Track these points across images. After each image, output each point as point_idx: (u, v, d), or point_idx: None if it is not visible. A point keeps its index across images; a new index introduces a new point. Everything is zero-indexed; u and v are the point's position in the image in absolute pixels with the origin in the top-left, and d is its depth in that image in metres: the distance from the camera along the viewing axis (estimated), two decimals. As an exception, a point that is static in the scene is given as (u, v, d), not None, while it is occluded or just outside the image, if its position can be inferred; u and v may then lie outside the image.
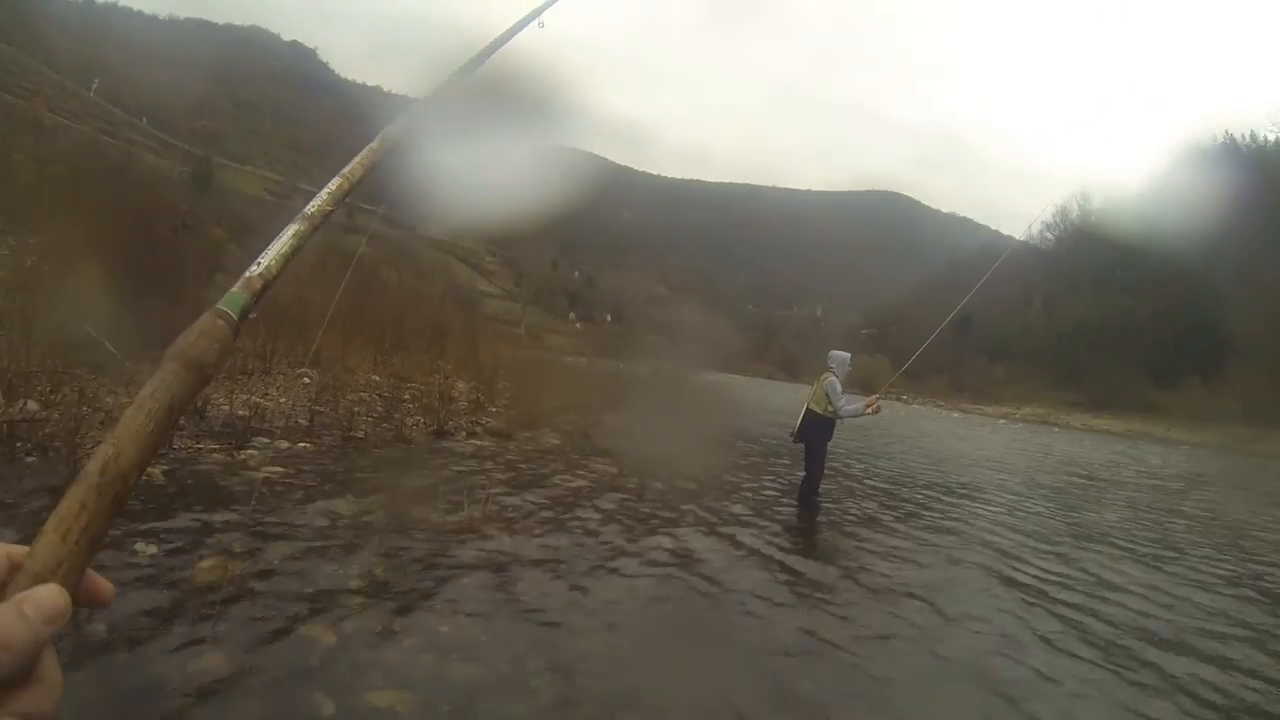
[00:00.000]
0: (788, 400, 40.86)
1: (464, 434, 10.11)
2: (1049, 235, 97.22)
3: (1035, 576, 6.54)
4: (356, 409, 10.08)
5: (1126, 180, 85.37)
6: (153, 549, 4.16)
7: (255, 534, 4.73)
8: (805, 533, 7.45)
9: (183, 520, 4.78)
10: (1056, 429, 50.66)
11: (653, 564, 5.43)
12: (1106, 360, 64.81)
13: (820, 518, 8.12)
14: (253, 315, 0.81)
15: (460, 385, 14.52)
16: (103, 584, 0.64)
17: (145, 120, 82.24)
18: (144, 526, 4.53)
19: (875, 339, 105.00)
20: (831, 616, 4.80)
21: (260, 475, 6.37)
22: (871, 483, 11.35)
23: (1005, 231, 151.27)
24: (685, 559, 5.66)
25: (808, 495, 8.50)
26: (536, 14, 1.60)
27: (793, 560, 6.06)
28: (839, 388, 8.17)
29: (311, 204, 0.99)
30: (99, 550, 0.61)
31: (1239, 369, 50.41)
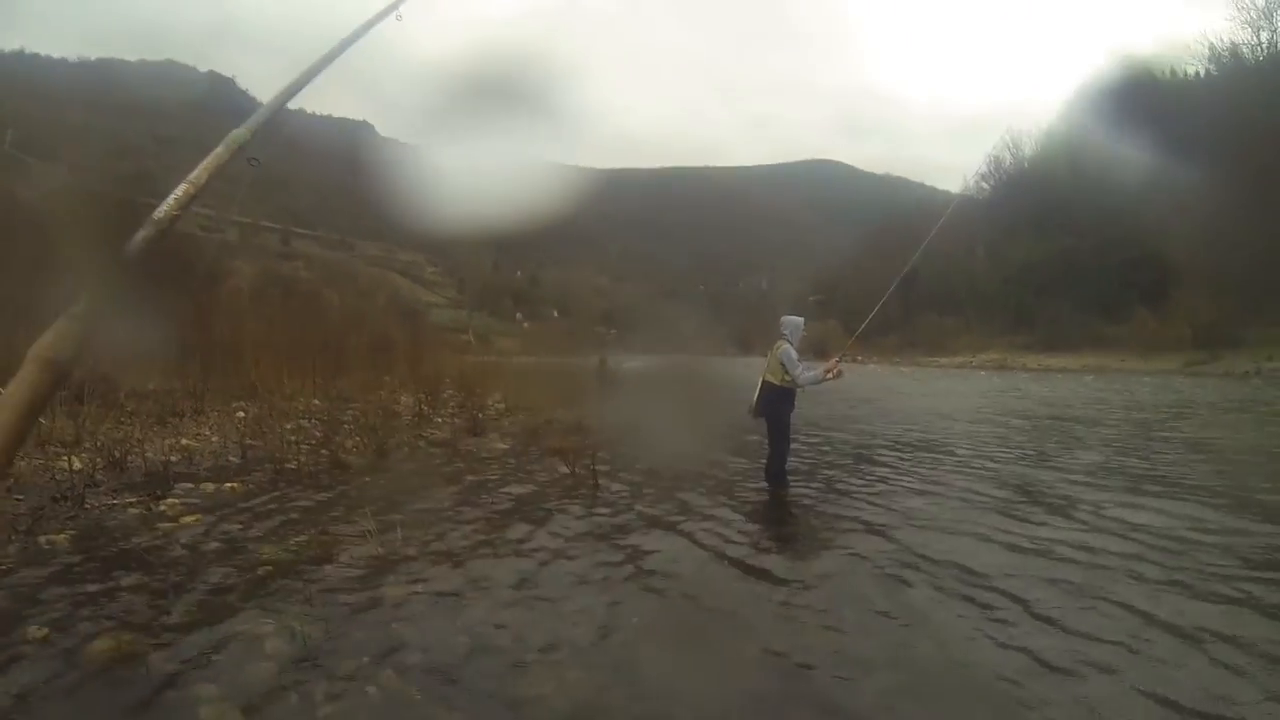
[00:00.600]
0: (742, 373, 41.11)
1: (406, 450, 9.64)
2: (984, 185, 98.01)
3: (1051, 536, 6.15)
4: (292, 438, 9.53)
5: (1051, 120, 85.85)
6: (44, 631, 3.71)
7: (161, 597, 4.23)
8: (775, 520, 7.10)
9: (85, 588, 4.32)
10: (1014, 371, 51.26)
11: (610, 580, 4.92)
12: (1054, 301, 65.59)
13: (790, 497, 7.76)
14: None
15: (404, 399, 13.98)
16: None
17: (66, 170, 79.48)
18: (42, 598, 4.13)
19: (823, 304, 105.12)
20: (818, 629, 4.15)
21: (175, 526, 5.83)
22: (842, 450, 11.07)
23: (940, 186, 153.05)
24: (643, 570, 5.15)
25: (777, 473, 8.01)
26: (393, 8, 1.59)
27: (765, 559, 5.56)
28: (794, 355, 7.73)
29: (159, 210, 1.00)
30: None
31: (1184, 296, 51.43)
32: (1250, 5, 61.66)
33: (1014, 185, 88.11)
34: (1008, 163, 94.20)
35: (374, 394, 14.54)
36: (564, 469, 8.41)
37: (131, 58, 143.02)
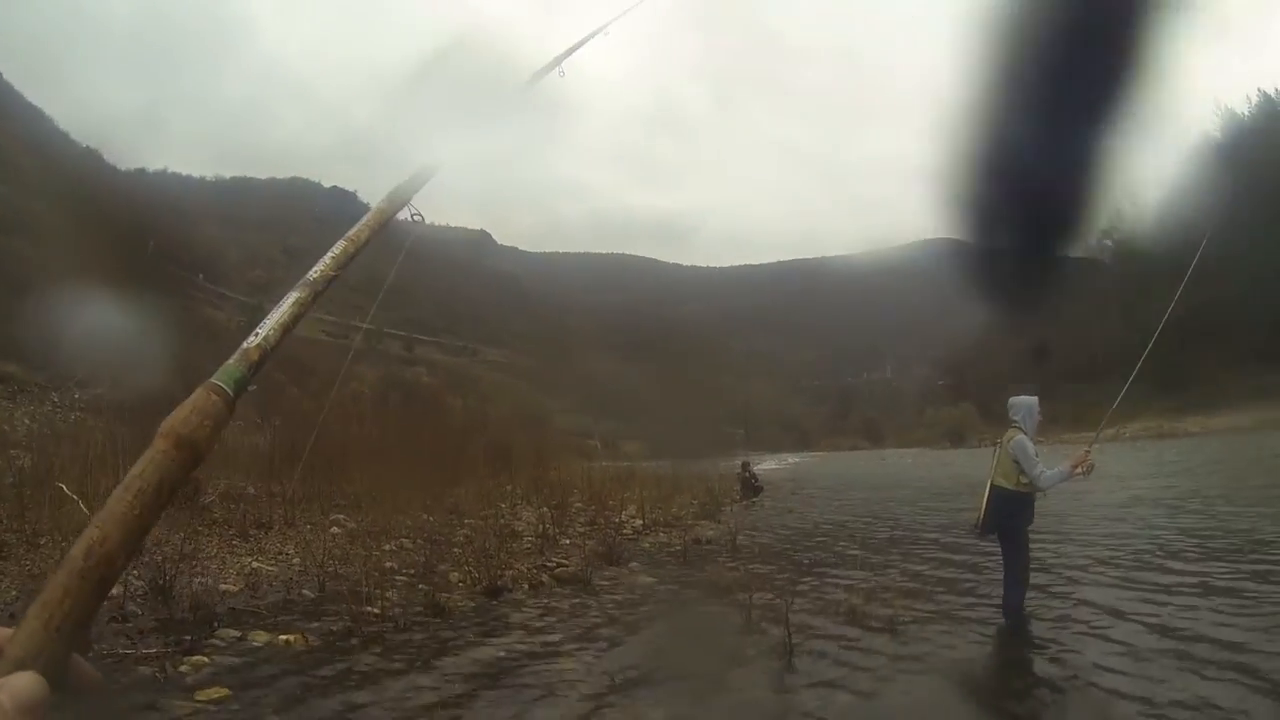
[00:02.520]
0: (896, 471, 38.29)
1: (526, 586, 7.58)
2: (1107, 242, 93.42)
3: None
4: (388, 562, 7.69)
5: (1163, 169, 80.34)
6: None
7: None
8: (1032, 679, 4.71)
9: None
10: (1173, 438, 45.36)
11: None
12: (1201, 355, 59.45)
13: (1037, 636, 5.55)
14: (252, 388, 0.78)
15: (526, 515, 12.04)
16: (88, 670, 0.61)
17: (201, 276, 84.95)
18: None
19: (953, 388, 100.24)
20: None
21: (188, 710, 3.97)
22: (1081, 566, 8.10)
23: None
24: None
25: (1015, 606, 5.81)
26: (556, 62, 1.56)
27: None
28: (1031, 448, 5.66)
29: (314, 269, 0.95)
30: (85, 634, 0.59)
31: None
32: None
33: (1139, 237, 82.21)
34: (1129, 213, 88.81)
35: (492, 507, 12.71)
36: (738, 616, 6.10)
37: (262, 175, 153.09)
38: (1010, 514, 5.73)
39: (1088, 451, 5.80)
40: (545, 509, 12.15)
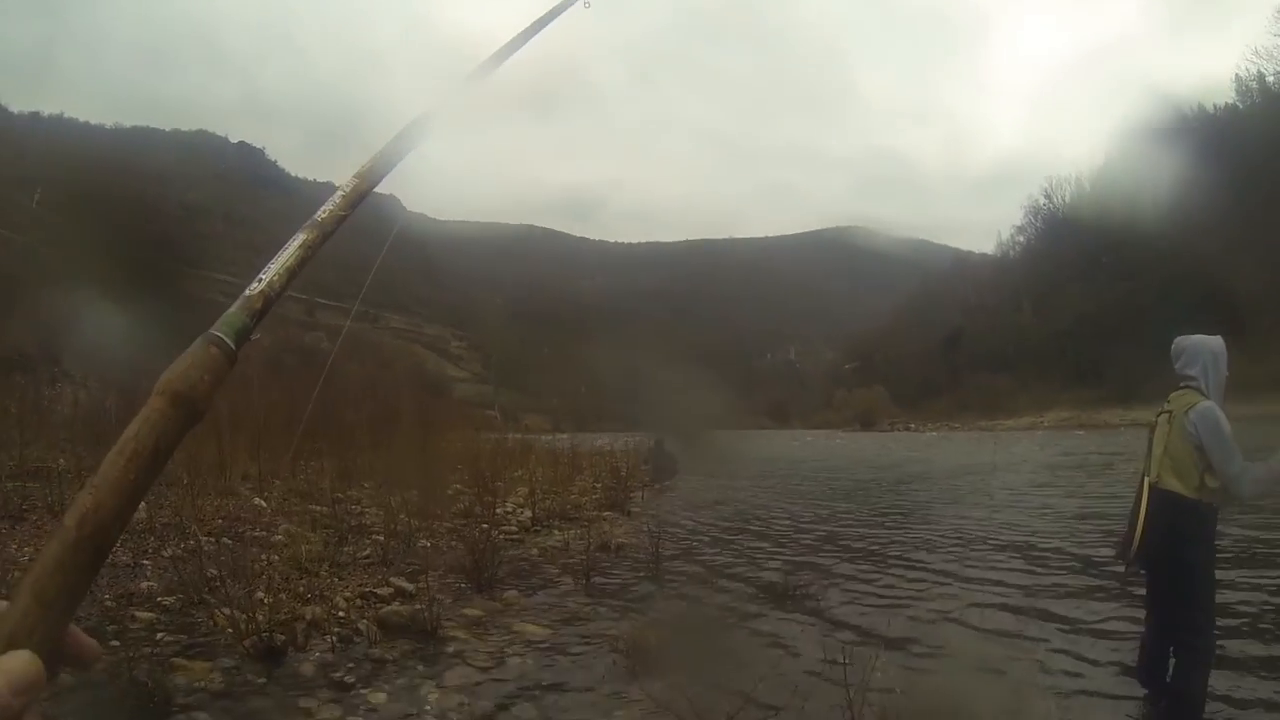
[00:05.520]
0: (814, 450, 36.42)
1: (332, 638, 4.62)
2: (1019, 239, 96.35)
3: None
4: (146, 582, 5.02)
5: (1091, 165, 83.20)
6: None
7: None
8: None
9: None
10: (1104, 430, 45.21)
11: None
12: (1120, 350, 60.34)
13: None
14: (255, 337, 0.73)
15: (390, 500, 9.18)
16: (86, 642, 0.58)
17: (89, 229, 78.02)
18: None
19: (860, 371, 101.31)
20: None
21: None
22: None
23: (965, 248, 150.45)
24: None
25: (1195, 698, 3.46)
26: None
27: None
28: (1226, 426, 3.43)
29: (322, 209, 0.88)
30: (78, 606, 0.57)
31: (1262, 332, 46.58)
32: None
33: (1055, 235, 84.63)
34: (1045, 212, 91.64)
35: (353, 488, 9.91)
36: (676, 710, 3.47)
37: (165, 127, 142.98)
38: (1181, 535, 3.48)
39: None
40: (410, 493, 9.49)
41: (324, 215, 0.86)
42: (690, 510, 12.30)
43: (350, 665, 4.34)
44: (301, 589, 5.25)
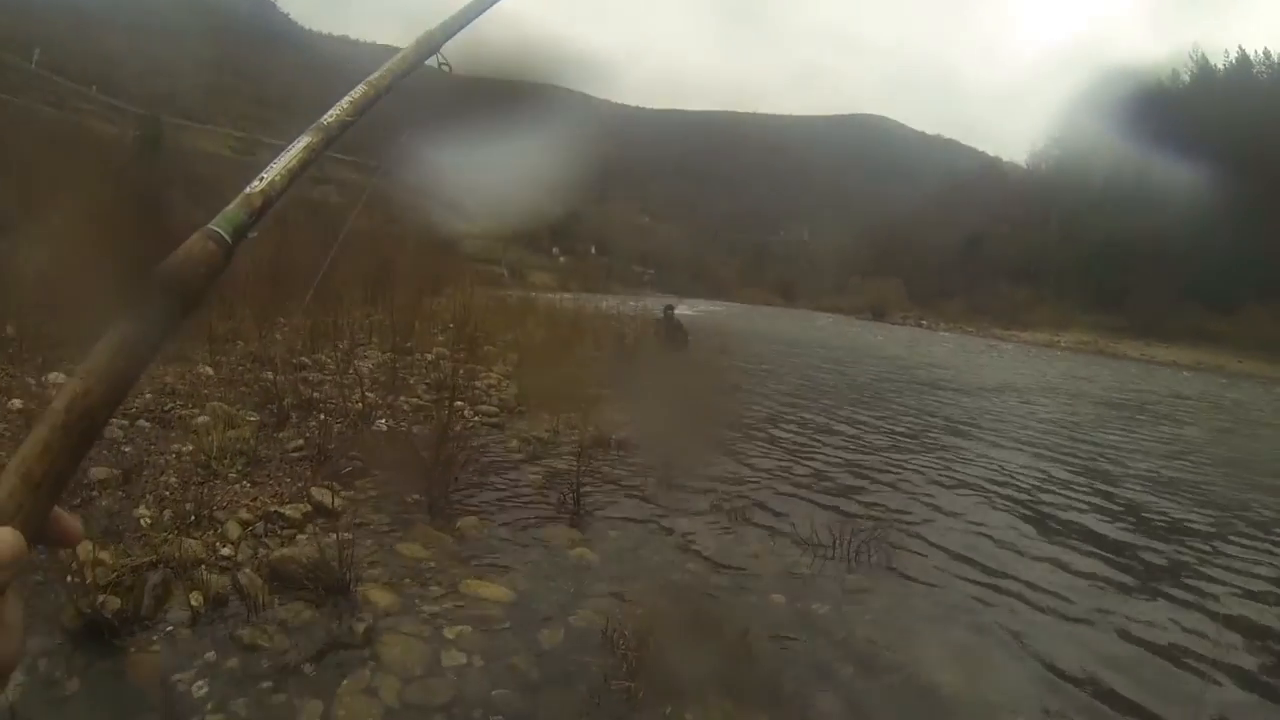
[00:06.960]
0: (835, 336, 34.80)
1: (199, 596, 3.24)
2: (1053, 152, 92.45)
3: None
4: None
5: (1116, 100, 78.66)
6: None
7: None
8: None
9: None
10: (1120, 360, 44.59)
11: None
12: (1144, 283, 58.53)
13: None
14: (252, 235, 0.73)
15: (365, 365, 8.31)
16: (69, 523, 0.60)
17: (95, 89, 75.09)
18: None
19: (877, 260, 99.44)
20: None
21: None
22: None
23: (992, 153, 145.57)
24: None
25: None
26: None
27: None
28: None
29: (329, 113, 0.87)
30: (63, 489, 0.57)
31: None
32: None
33: (1090, 156, 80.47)
34: (1081, 128, 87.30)
35: (334, 349, 8.85)
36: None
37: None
38: None
39: None
40: (388, 355, 8.61)
41: (330, 120, 0.85)
42: (707, 394, 10.99)
43: (209, 657, 2.90)
44: (189, 507, 3.89)
